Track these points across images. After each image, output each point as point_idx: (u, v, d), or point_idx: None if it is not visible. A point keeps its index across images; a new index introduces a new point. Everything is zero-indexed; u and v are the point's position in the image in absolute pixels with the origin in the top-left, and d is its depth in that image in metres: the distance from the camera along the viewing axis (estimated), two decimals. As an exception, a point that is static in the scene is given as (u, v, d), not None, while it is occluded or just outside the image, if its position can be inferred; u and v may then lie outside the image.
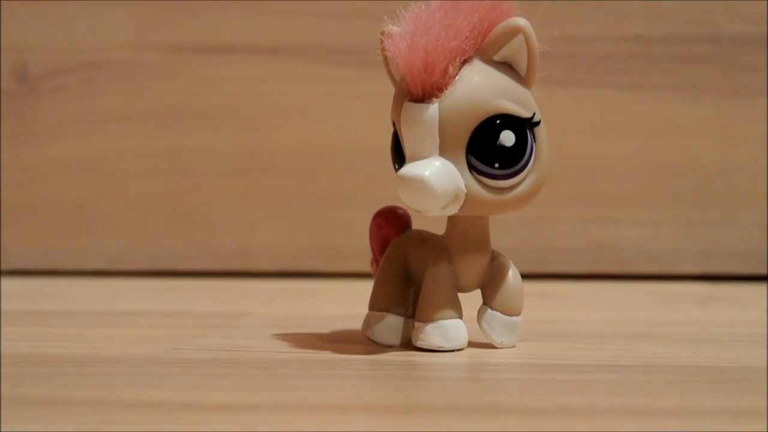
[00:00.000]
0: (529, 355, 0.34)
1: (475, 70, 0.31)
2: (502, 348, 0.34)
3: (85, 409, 0.27)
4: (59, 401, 0.27)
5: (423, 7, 0.31)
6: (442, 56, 0.31)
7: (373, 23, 0.33)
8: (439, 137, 0.31)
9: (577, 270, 0.59)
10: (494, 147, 0.31)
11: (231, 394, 0.28)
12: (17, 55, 0.61)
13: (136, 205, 0.61)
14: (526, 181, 0.32)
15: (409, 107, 0.31)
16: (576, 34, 0.58)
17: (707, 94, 0.58)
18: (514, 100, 0.32)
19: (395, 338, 0.35)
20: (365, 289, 0.36)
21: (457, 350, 0.33)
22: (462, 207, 0.32)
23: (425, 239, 0.35)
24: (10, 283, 0.58)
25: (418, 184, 0.31)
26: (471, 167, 0.31)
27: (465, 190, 0.31)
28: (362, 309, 0.35)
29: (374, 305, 0.35)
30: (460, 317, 0.34)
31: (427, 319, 0.33)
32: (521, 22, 0.31)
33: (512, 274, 0.34)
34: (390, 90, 0.33)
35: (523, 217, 0.57)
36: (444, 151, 0.31)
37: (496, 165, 0.31)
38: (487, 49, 0.32)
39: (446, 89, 0.31)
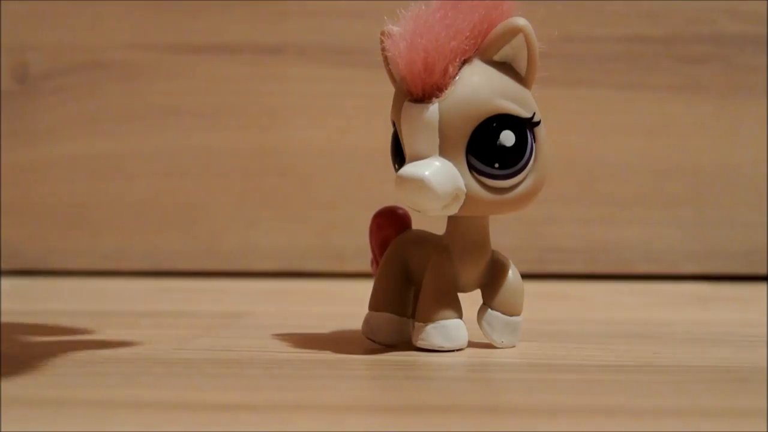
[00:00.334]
0: (529, 355, 0.34)
1: (475, 70, 0.31)
2: (502, 348, 0.34)
3: (85, 409, 0.27)
4: (59, 401, 0.27)
5: (423, 7, 0.31)
6: (442, 56, 0.31)
7: (373, 23, 0.33)
8: (439, 137, 0.31)
9: (577, 270, 0.59)
10: (494, 147, 0.31)
11: (231, 394, 0.28)
12: (17, 55, 0.61)
13: (136, 205, 0.61)
14: (526, 181, 0.32)
15: (409, 107, 0.31)
16: (576, 34, 0.58)
17: (707, 94, 0.58)
18: (514, 100, 0.32)
19: (395, 338, 0.35)
20: (365, 289, 0.36)
21: (458, 350, 0.33)
22: (462, 207, 0.32)
23: (425, 239, 0.35)
24: (10, 283, 0.58)
25: (418, 184, 0.31)
26: (471, 167, 0.31)
27: (465, 190, 0.31)
28: (362, 309, 0.35)
29: (374, 305, 0.35)
30: (461, 317, 0.34)
31: (428, 319, 0.33)
32: (521, 22, 0.31)
33: (512, 274, 0.34)
34: (390, 90, 0.33)
35: (523, 217, 0.57)
36: (444, 151, 0.31)
37: (496, 165, 0.31)
38: (487, 49, 0.32)
39: (446, 89, 0.31)
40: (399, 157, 0.33)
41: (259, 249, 0.60)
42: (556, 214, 0.59)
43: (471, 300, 0.34)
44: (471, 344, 0.34)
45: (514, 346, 0.34)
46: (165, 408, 0.27)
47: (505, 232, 0.55)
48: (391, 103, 0.33)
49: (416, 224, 0.36)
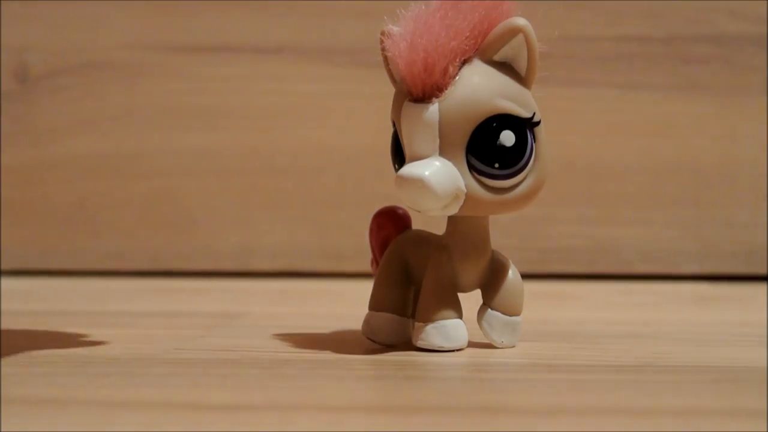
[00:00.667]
0: (529, 355, 0.34)
1: (475, 70, 0.31)
2: (502, 348, 0.34)
3: (85, 409, 0.27)
4: (59, 401, 0.27)
5: (423, 7, 0.31)
6: (442, 56, 0.31)
7: (373, 23, 0.33)
8: (439, 137, 0.31)
9: (577, 270, 0.59)
10: (494, 147, 0.31)
11: (231, 394, 0.28)
12: (17, 55, 0.61)
13: (136, 205, 0.61)
14: (526, 181, 0.32)
15: (409, 107, 0.31)
16: (576, 34, 0.58)
17: (707, 94, 0.58)
18: (514, 100, 0.32)
19: (395, 338, 0.35)
20: (365, 289, 0.36)
21: (457, 350, 0.33)
22: (462, 207, 0.32)
23: (425, 239, 0.35)
24: (10, 283, 0.58)
25: (417, 184, 0.31)
26: (471, 167, 0.31)
27: (465, 190, 0.31)
28: (362, 309, 0.35)
29: (374, 305, 0.35)
30: (460, 317, 0.34)
31: (427, 320, 0.33)
32: (521, 22, 0.31)
33: (512, 274, 0.34)
34: (390, 90, 0.33)
35: (523, 217, 0.57)
36: (444, 151, 0.31)
37: (496, 165, 0.31)
38: (487, 49, 0.32)
39: (446, 89, 0.31)
40: (399, 157, 0.33)
41: (259, 249, 0.60)
42: (556, 214, 0.59)
43: (471, 300, 0.34)
44: (471, 344, 0.34)
45: (514, 346, 0.34)
46: (165, 408, 0.27)
47: (505, 232, 0.55)
48: (391, 103, 0.33)
49: (416, 224, 0.36)
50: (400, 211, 0.36)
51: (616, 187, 0.59)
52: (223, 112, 0.60)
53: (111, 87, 0.61)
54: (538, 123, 0.32)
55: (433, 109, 0.31)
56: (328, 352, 0.34)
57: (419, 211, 0.32)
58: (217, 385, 0.30)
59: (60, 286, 0.57)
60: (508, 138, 0.31)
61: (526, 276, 0.35)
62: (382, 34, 0.32)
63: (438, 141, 0.31)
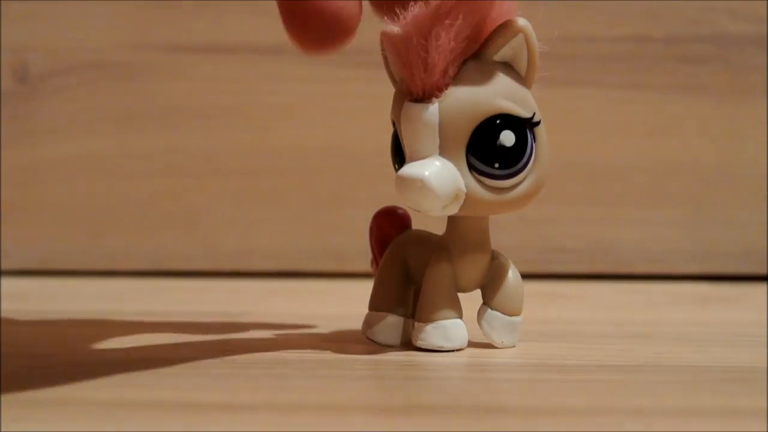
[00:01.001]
0: (529, 355, 0.34)
1: (475, 70, 0.31)
2: (502, 348, 0.34)
3: (85, 409, 0.27)
4: (59, 401, 0.27)
5: (423, 7, 0.31)
6: (442, 56, 0.31)
7: (373, 23, 0.33)
8: (439, 137, 0.31)
9: (577, 270, 0.59)
10: (494, 147, 0.31)
11: (231, 394, 0.28)
12: (17, 55, 0.61)
13: (136, 205, 0.61)
14: (526, 180, 0.32)
15: (409, 107, 0.31)
16: (576, 34, 0.58)
17: (707, 94, 0.58)
18: (514, 100, 0.32)
19: (395, 338, 0.35)
20: (365, 289, 0.36)
21: (457, 350, 0.33)
22: (462, 207, 0.32)
23: (425, 239, 0.35)
24: (10, 283, 0.58)
25: (418, 184, 0.31)
26: (471, 167, 0.31)
27: (465, 190, 0.31)
28: (362, 309, 0.35)
29: (374, 305, 0.35)
30: (461, 317, 0.34)
31: (427, 319, 0.33)
32: (521, 22, 0.31)
33: (512, 274, 0.34)
34: (390, 90, 0.33)
35: (523, 217, 0.57)
36: (444, 151, 0.31)
37: (497, 165, 0.31)
38: (487, 49, 0.32)
39: (446, 89, 0.31)
40: (399, 157, 0.33)
41: (259, 249, 0.60)
42: (556, 214, 0.59)
43: (471, 300, 0.34)
44: (471, 344, 0.34)
45: (514, 346, 0.34)
46: (165, 408, 0.27)
47: (505, 232, 0.55)
48: (391, 103, 0.33)
49: (416, 224, 0.36)
50: (400, 212, 0.36)
51: (616, 187, 0.59)
52: (223, 112, 0.61)
53: (111, 87, 0.61)
54: (538, 123, 0.32)
55: (433, 109, 0.31)
56: (328, 352, 0.34)
57: (419, 211, 0.32)
58: (217, 385, 0.30)
59: (60, 286, 0.57)
60: (508, 138, 0.31)
61: (526, 276, 0.35)
62: (382, 34, 0.32)
63: (438, 141, 0.31)
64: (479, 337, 0.34)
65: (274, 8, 0.31)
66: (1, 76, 0.61)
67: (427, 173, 0.31)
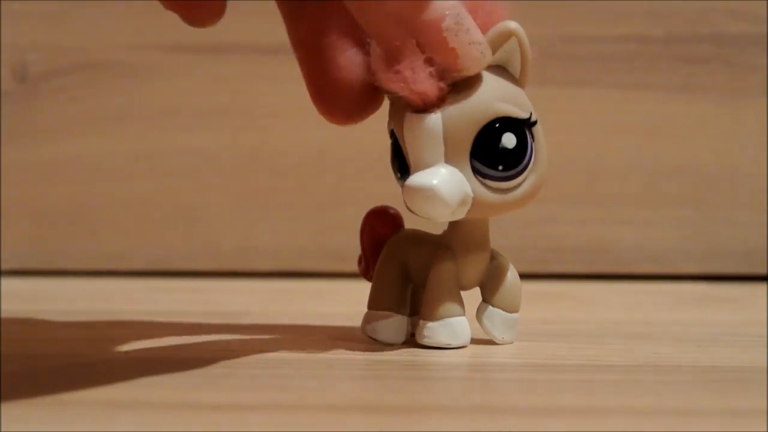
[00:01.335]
0: (529, 355, 0.34)
1: (473, 75, 0.32)
2: (502, 344, 0.34)
3: (85, 409, 0.27)
4: (59, 401, 0.27)
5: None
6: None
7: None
8: (444, 145, 0.31)
9: (577, 270, 0.59)
10: (497, 150, 0.31)
11: (231, 394, 0.28)
12: (17, 55, 0.61)
13: (136, 205, 0.61)
14: (528, 180, 0.32)
15: (412, 118, 0.32)
16: (576, 34, 0.58)
17: (707, 94, 0.58)
18: (512, 102, 0.32)
19: (396, 337, 0.35)
20: (365, 289, 0.36)
21: (462, 347, 0.34)
22: (469, 210, 0.32)
23: (423, 238, 0.35)
24: (10, 283, 0.58)
25: (427, 193, 0.31)
26: (475, 171, 0.32)
27: (472, 195, 0.32)
28: (362, 309, 0.35)
29: (374, 304, 0.35)
30: (464, 314, 0.34)
31: (433, 317, 0.33)
32: (513, 25, 0.32)
33: (511, 273, 0.34)
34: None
35: (523, 217, 0.57)
36: (449, 158, 0.31)
37: (500, 167, 0.32)
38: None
39: (447, 97, 0.31)
40: (400, 165, 0.33)
41: (259, 249, 0.60)
42: (556, 214, 0.59)
43: (469, 299, 0.34)
44: (471, 341, 0.34)
45: (512, 342, 0.35)
46: (165, 408, 0.27)
47: (505, 232, 0.55)
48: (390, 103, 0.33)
49: (408, 224, 0.36)
50: (392, 211, 0.36)
51: (616, 187, 0.59)
52: (223, 112, 0.61)
53: (111, 87, 0.61)
54: (535, 122, 0.32)
55: (436, 118, 0.31)
56: (328, 352, 0.34)
57: (428, 219, 0.32)
58: (217, 385, 0.30)
59: (60, 286, 0.57)
60: (509, 140, 0.32)
61: (526, 276, 0.35)
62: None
63: (443, 149, 0.31)
64: (479, 335, 0.34)
65: (274, 8, 0.31)
66: (1, 76, 0.61)
67: (435, 182, 0.31)
